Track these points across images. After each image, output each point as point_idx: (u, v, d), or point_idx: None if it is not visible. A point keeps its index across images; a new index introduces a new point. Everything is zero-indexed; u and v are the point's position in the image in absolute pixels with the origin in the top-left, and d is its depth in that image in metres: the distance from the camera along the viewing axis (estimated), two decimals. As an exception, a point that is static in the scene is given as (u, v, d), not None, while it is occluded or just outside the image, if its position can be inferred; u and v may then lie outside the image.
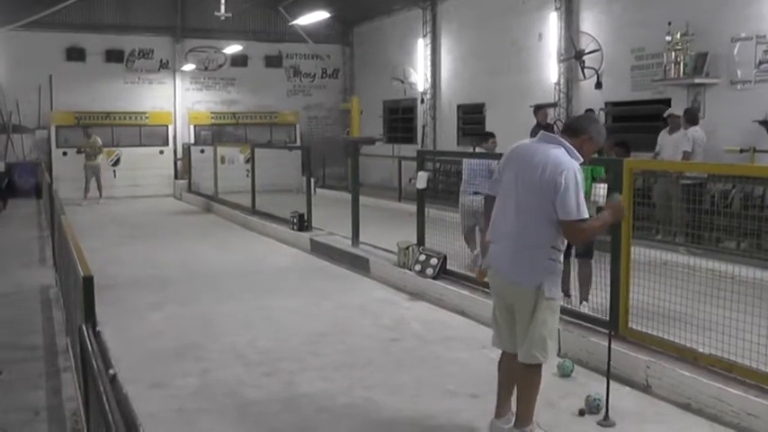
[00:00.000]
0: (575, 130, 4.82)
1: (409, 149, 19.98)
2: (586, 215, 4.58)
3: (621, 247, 6.35)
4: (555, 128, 15.02)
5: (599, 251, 7.60)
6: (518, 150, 4.90)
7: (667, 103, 13.48)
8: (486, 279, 5.22)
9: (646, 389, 5.80)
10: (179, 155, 24.25)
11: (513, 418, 4.98)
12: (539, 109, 14.63)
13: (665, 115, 12.38)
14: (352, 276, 10.58)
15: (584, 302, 7.72)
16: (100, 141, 20.81)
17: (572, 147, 4.70)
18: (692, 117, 11.88)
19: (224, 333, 7.66)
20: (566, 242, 4.79)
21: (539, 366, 4.82)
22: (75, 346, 4.98)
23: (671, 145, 11.88)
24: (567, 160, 4.61)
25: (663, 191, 11.54)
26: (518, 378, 4.89)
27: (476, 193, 9.46)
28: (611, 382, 5.39)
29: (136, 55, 24.31)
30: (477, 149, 10.57)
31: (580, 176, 4.58)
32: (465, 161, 10.43)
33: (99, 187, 20.73)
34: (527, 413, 4.86)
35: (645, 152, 12.54)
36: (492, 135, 10.77)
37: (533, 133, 14.02)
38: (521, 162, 4.78)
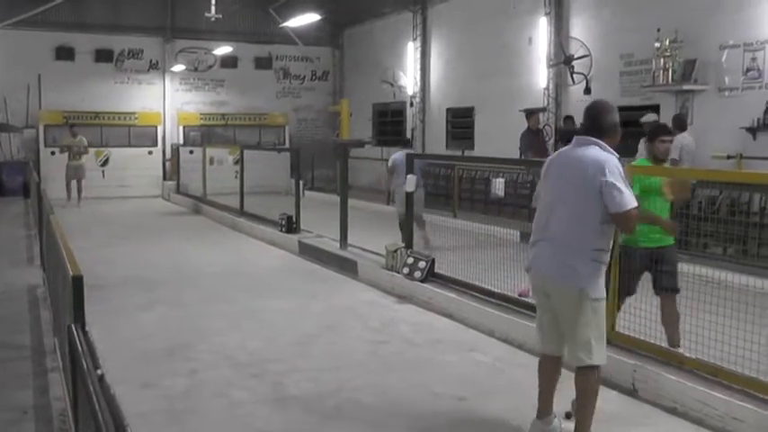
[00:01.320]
0: (598, 129, 4.84)
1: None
2: (636, 203, 4.65)
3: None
4: (543, 133, 15.10)
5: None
6: (558, 159, 5.00)
7: (656, 109, 13.55)
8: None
9: (632, 392, 5.83)
10: (168, 156, 24.21)
11: (555, 419, 5.04)
12: (531, 114, 14.66)
13: (642, 121, 12.32)
14: (340, 279, 10.59)
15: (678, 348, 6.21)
16: (86, 141, 20.45)
17: (604, 144, 4.77)
18: (680, 123, 11.92)
19: (213, 334, 7.66)
20: (611, 245, 4.86)
21: (592, 370, 4.79)
22: (63, 345, 4.98)
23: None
24: (606, 156, 4.69)
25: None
26: (576, 383, 4.90)
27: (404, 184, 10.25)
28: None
29: (125, 55, 24.27)
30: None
31: (622, 168, 4.70)
32: (394, 157, 12.02)
33: (79, 190, 20.06)
34: (584, 423, 4.85)
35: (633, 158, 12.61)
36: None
37: (524, 138, 14.08)
38: (562, 168, 4.88)
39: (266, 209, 14.86)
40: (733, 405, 5.09)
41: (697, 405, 5.31)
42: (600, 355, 4.80)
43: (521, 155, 14.33)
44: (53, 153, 20.10)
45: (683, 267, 7.50)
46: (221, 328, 7.93)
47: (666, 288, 6.25)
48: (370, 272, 10.20)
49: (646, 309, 6.31)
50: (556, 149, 15.35)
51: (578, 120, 15.54)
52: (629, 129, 12.86)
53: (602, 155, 4.69)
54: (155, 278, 10.64)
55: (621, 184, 4.58)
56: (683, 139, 11.62)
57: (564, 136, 14.66)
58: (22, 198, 20.50)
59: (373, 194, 19.47)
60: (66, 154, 20.10)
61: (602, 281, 4.81)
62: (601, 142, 4.77)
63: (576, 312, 4.72)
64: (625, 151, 12.15)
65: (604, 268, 4.83)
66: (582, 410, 4.90)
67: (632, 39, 14.12)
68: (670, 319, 6.24)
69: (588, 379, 4.80)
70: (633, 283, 6.27)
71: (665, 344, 5.98)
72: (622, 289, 6.22)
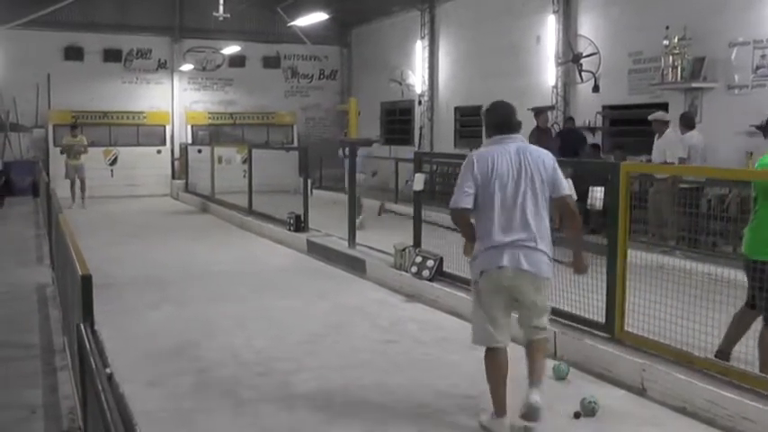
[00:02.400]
0: (517, 125, 5.27)
1: (406, 151, 19.99)
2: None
3: (617, 250, 6.36)
4: (551, 131, 15.04)
5: (594, 253, 7.61)
6: (495, 156, 5.10)
7: (665, 107, 13.50)
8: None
9: (641, 392, 5.80)
10: (176, 155, 24.26)
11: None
12: (540, 112, 14.61)
13: (650, 119, 12.26)
14: (348, 277, 10.59)
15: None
16: (86, 141, 20.24)
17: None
18: (688, 122, 11.86)
19: (220, 333, 7.67)
20: None
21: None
22: (72, 344, 4.99)
23: (657, 149, 11.89)
24: (542, 149, 5.24)
25: (656, 194, 11.50)
26: (539, 351, 5.14)
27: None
28: (607, 384, 5.39)
29: (134, 55, 24.34)
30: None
31: None
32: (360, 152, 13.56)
33: (82, 189, 19.75)
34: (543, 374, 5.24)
35: (644, 156, 12.62)
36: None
37: (532, 136, 14.01)
38: (515, 164, 5.04)
39: (274, 208, 14.87)
40: (743, 404, 5.05)
41: (707, 405, 5.28)
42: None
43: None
44: (62, 152, 20.11)
45: (691, 266, 7.47)
46: (229, 326, 7.93)
47: None
48: (378, 271, 10.20)
49: (654, 308, 6.29)
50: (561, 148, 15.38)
51: (578, 121, 15.59)
52: (638, 127, 12.96)
53: (541, 149, 5.19)
54: (163, 277, 10.66)
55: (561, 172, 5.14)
56: (691, 137, 11.58)
57: (565, 136, 14.63)
58: (31, 197, 20.56)
59: (381, 193, 19.45)
60: (66, 153, 19.85)
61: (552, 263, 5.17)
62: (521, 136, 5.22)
63: (543, 292, 5.14)
64: (642, 148, 12.27)
65: None
66: (544, 365, 5.27)
67: (641, 36, 14.08)
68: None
69: (547, 343, 5.43)
70: None
71: (674, 342, 5.95)
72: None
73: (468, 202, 5.09)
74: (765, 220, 5.55)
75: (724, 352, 5.83)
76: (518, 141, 5.16)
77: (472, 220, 5.25)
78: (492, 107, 5.37)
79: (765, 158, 5.78)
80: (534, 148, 5.20)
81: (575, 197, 5.30)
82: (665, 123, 11.95)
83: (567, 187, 5.16)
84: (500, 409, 5.12)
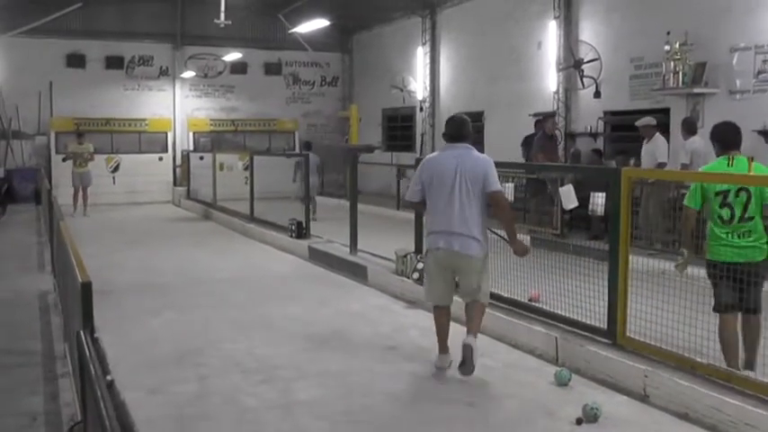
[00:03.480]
0: (465, 136, 6.66)
1: (408, 157, 20.00)
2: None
3: (619, 255, 6.35)
4: (556, 137, 15.03)
5: (595, 259, 7.60)
6: (439, 160, 6.64)
7: (666, 112, 13.51)
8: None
9: (644, 398, 5.79)
10: (178, 162, 24.27)
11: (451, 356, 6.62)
12: (547, 118, 14.63)
13: (638, 125, 12.22)
14: (350, 284, 10.58)
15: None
16: (92, 148, 20.17)
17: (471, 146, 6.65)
18: (690, 127, 11.83)
19: (222, 340, 7.66)
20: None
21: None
22: (72, 351, 4.98)
23: (646, 154, 11.90)
24: (482, 154, 6.65)
25: (654, 200, 11.48)
26: (476, 311, 6.60)
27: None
28: (609, 390, 5.38)
29: (136, 62, 24.36)
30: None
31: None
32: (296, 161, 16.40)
33: (84, 198, 19.63)
34: (479, 327, 6.68)
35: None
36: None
37: (539, 141, 14.01)
38: (452, 168, 6.44)
39: (276, 214, 14.88)
40: (746, 411, 5.04)
41: (709, 411, 5.26)
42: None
43: (527, 158, 14.29)
44: (64, 160, 20.12)
45: (694, 271, 7.46)
46: (231, 333, 7.93)
47: (751, 309, 5.90)
48: (379, 277, 10.19)
49: (656, 313, 6.28)
50: (566, 152, 15.40)
51: (579, 127, 15.60)
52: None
53: (479, 154, 6.61)
54: (165, 284, 10.66)
55: (495, 173, 6.47)
56: (693, 143, 11.54)
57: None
58: (33, 205, 20.58)
59: (383, 199, 19.47)
60: (72, 161, 19.77)
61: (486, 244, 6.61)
62: (470, 145, 6.63)
63: (480, 270, 6.54)
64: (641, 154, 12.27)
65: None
66: (479, 322, 6.63)
67: (642, 42, 14.09)
68: (754, 340, 5.94)
69: (482, 306, 6.70)
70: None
71: (675, 348, 5.93)
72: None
73: (415, 197, 6.73)
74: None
75: (749, 362, 5.88)
76: (461, 149, 6.55)
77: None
78: (449, 120, 6.79)
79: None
80: (473, 155, 6.52)
81: (503, 192, 6.73)
82: (654, 128, 11.99)
83: (496, 184, 6.43)
84: (442, 348, 6.71)
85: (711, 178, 6.05)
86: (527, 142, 14.83)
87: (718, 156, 6.21)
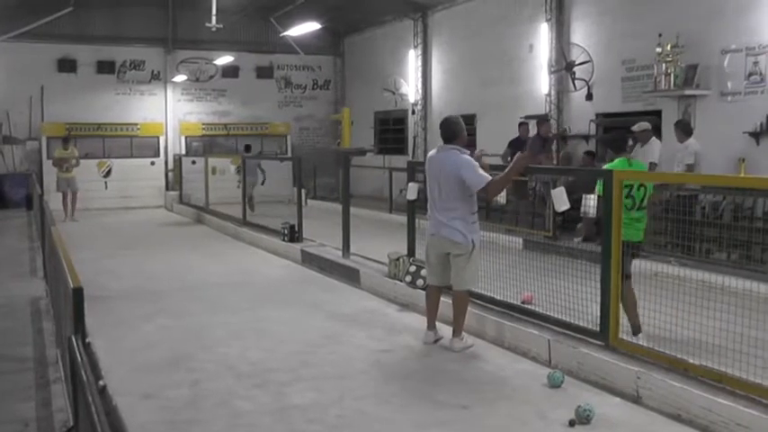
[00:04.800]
0: (454, 136, 7.36)
1: (400, 161, 20.02)
2: (488, 177, 7.08)
3: (611, 257, 6.37)
4: (550, 140, 15.07)
5: (589, 261, 7.61)
6: (431, 159, 7.52)
7: (658, 114, 13.54)
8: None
9: (636, 399, 5.80)
10: (170, 166, 24.25)
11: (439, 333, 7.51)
12: (543, 121, 14.66)
13: (635, 129, 12.23)
14: (342, 287, 10.57)
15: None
16: (77, 153, 20.08)
17: (460, 146, 7.33)
18: (686, 128, 11.83)
19: (215, 344, 7.65)
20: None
21: (468, 292, 7.51)
22: (64, 357, 4.97)
23: (642, 157, 11.90)
24: (463, 155, 7.22)
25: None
26: (456, 307, 7.41)
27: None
28: (601, 392, 5.39)
29: (127, 66, 24.33)
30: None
31: (473, 161, 7.20)
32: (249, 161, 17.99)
33: (73, 202, 19.52)
34: (461, 326, 7.37)
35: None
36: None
37: (533, 144, 14.07)
38: (438, 167, 7.32)
39: (269, 218, 14.85)
40: (738, 411, 5.05)
41: (702, 412, 5.28)
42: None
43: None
44: (54, 165, 20.07)
45: (686, 273, 7.50)
46: (223, 338, 7.91)
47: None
48: (372, 280, 10.18)
49: (649, 315, 6.30)
50: (557, 155, 15.42)
51: (571, 129, 15.64)
52: (632, 134, 12.94)
53: (461, 155, 7.21)
54: (157, 289, 10.64)
55: (473, 171, 7.07)
56: (694, 144, 11.53)
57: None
58: (24, 210, 20.51)
59: (375, 203, 19.48)
60: (58, 166, 19.66)
61: (478, 234, 7.36)
62: (458, 146, 7.31)
63: (467, 257, 7.23)
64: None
65: (478, 224, 7.38)
66: (460, 320, 7.36)
67: (634, 44, 14.13)
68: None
69: (467, 299, 7.51)
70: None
71: (669, 350, 5.95)
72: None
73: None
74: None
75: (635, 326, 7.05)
76: (447, 151, 7.32)
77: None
78: (442, 121, 7.51)
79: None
80: (452, 158, 7.19)
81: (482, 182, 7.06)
82: (649, 132, 12.02)
83: (478, 184, 7.02)
84: (429, 325, 7.59)
85: (711, 179, 6.16)
86: (513, 146, 14.96)
87: (611, 159, 7.63)
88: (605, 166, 7.62)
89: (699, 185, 10.86)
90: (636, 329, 7.02)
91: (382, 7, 22.28)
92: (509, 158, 13.50)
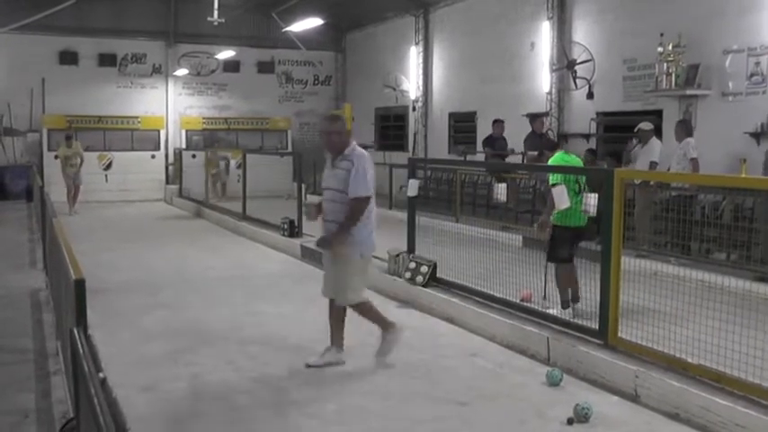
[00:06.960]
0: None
1: (400, 157, 20.00)
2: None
3: (611, 256, 6.37)
4: (546, 136, 15.06)
5: (590, 260, 7.62)
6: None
7: (659, 114, 13.53)
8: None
9: (634, 398, 5.82)
10: (170, 159, 24.23)
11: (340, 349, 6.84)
12: (535, 118, 14.66)
13: (639, 128, 12.23)
14: (342, 283, 10.55)
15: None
16: (82, 150, 20.05)
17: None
18: (688, 129, 11.81)
19: (214, 338, 7.66)
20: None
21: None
22: (65, 349, 4.98)
23: (644, 156, 11.91)
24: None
25: (646, 201, 11.50)
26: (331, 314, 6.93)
27: None
28: (600, 391, 5.40)
29: (129, 59, 24.29)
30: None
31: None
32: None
33: (75, 196, 19.54)
34: (374, 320, 6.96)
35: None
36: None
37: (527, 141, 14.08)
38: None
39: (268, 213, 14.86)
40: (736, 411, 5.07)
41: (700, 411, 5.29)
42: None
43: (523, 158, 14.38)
44: (56, 157, 20.06)
45: (685, 273, 7.52)
46: (223, 331, 7.93)
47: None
48: (371, 277, 10.16)
49: (648, 314, 6.31)
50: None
51: (572, 128, 15.63)
52: (633, 134, 12.98)
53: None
54: (157, 282, 10.65)
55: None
56: (696, 143, 11.50)
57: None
58: (25, 202, 20.50)
59: (375, 199, 19.41)
60: (62, 161, 19.68)
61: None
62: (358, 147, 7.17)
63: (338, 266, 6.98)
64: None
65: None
66: (368, 317, 6.94)
67: (635, 43, 14.12)
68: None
69: (364, 306, 6.96)
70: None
71: (667, 350, 5.96)
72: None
73: None
74: None
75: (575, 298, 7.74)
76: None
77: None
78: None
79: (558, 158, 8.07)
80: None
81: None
82: (651, 132, 12.02)
83: (354, 191, 7.18)
84: (334, 341, 6.92)
85: (711, 179, 6.19)
86: (487, 144, 15.07)
87: (548, 158, 8.33)
88: (550, 161, 8.25)
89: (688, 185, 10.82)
90: (576, 298, 7.75)
91: (384, 3, 22.25)
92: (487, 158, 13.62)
